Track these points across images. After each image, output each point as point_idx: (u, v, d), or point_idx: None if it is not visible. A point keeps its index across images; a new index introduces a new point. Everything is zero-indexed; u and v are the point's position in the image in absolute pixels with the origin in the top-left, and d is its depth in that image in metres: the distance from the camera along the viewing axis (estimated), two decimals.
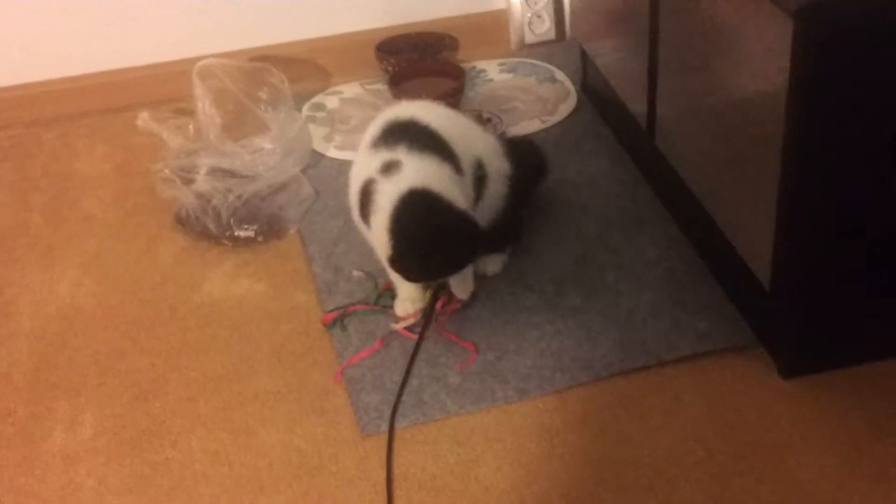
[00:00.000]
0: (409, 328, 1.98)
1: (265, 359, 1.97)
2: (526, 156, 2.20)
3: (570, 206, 2.29)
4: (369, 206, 1.86)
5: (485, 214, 2.01)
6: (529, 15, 2.97)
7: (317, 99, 2.82)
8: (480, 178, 2.00)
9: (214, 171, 2.38)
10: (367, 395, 1.86)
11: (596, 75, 2.57)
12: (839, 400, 1.78)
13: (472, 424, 1.79)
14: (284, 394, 1.89)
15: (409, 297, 1.98)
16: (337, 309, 2.05)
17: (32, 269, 2.27)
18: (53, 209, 2.48)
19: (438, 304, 1.99)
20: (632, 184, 2.35)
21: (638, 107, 2.23)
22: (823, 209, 1.67)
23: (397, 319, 1.99)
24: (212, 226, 2.28)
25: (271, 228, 2.30)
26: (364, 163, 1.92)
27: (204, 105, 2.46)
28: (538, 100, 2.72)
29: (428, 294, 1.99)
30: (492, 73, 2.88)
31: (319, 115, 2.74)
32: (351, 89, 2.86)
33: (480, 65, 2.92)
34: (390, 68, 2.86)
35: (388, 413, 1.81)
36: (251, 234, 2.28)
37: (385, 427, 1.79)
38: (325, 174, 2.49)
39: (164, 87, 2.78)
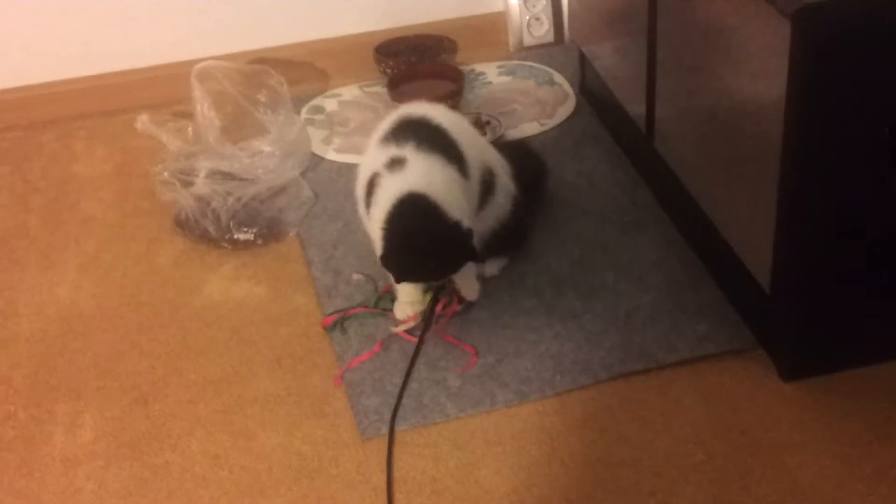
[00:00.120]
0: (408, 331, 1.98)
1: (265, 362, 1.97)
2: (527, 164, 2.21)
3: (569, 208, 2.29)
4: (373, 193, 1.88)
5: (488, 220, 2.03)
6: (528, 17, 2.97)
7: (316, 101, 2.82)
8: (488, 185, 2.01)
9: (214, 174, 2.38)
10: (366, 398, 1.86)
11: (594, 78, 2.57)
12: (839, 402, 1.78)
13: (472, 427, 1.80)
14: (284, 397, 1.89)
15: (408, 300, 1.98)
16: (337, 312, 2.04)
17: (32, 272, 2.27)
18: (52, 211, 2.48)
19: (438, 307, 1.99)
20: (631, 186, 2.35)
21: (637, 109, 2.23)
22: (823, 211, 1.67)
23: (397, 322, 1.99)
24: (211, 228, 2.28)
25: (271, 231, 2.30)
26: (372, 156, 1.95)
27: (203, 107, 2.46)
28: (537, 102, 2.72)
29: (428, 297, 1.99)
30: (490, 75, 2.88)
31: (318, 117, 2.74)
32: (350, 92, 2.86)
33: (479, 67, 2.92)
34: (389, 71, 2.86)
35: (388, 416, 1.81)
36: (250, 236, 2.28)
37: (385, 430, 1.79)
38: (324, 177, 2.49)
39: (163, 90, 2.78)
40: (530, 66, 2.91)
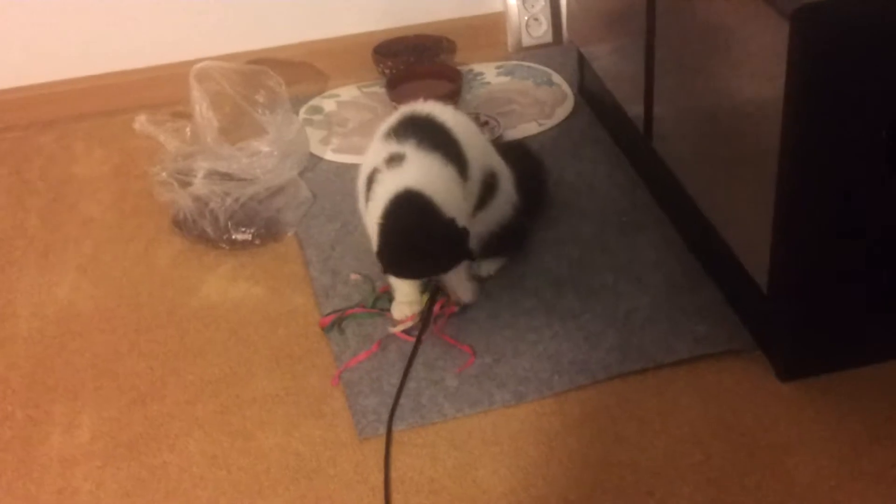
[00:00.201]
0: (406, 331, 1.97)
1: (263, 362, 1.97)
2: (527, 166, 2.21)
3: (567, 208, 2.29)
4: (371, 189, 1.89)
5: (488, 221, 2.03)
6: (527, 18, 2.97)
7: (314, 102, 2.82)
8: (490, 187, 2.01)
9: (212, 174, 2.38)
10: (364, 398, 1.86)
11: (593, 78, 2.57)
12: (837, 402, 1.78)
13: (469, 428, 1.79)
14: (282, 397, 1.89)
15: (406, 301, 1.98)
16: (334, 312, 2.04)
17: (30, 272, 2.27)
18: (51, 212, 2.48)
19: (436, 307, 1.99)
20: (629, 187, 2.35)
21: (635, 109, 2.23)
22: (821, 211, 1.67)
23: (395, 323, 1.99)
24: (209, 229, 2.28)
25: (269, 231, 2.30)
26: (374, 152, 1.96)
27: (201, 108, 2.45)
28: (535, 103, 2.72)
29: (426, 297, 1.99)
30: (489, 75, 2.88)
31: (317, 118, 2.74)
32: (348, 92, 2.86)
33: (478, 68, 2.92)
34: (387, 71, 2.86)
35: (385, 416, 1.81)
36: (248, 237, 2.28)
37: (383, 430, 1.79)
38: (322, 177, 2.49)
39: (161, 90, 2.78)
40: (529, 67, 2.91)
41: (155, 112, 2.62)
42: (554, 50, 2.99)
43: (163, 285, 2.20)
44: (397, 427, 1.80)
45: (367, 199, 1.91)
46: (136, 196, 2.49)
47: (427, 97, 2.45)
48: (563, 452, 1.74)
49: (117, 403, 1.91)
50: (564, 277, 2.10)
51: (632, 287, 2.05)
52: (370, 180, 1.91)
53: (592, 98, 2.66)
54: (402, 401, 1.84)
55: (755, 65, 1.66)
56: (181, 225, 2.33)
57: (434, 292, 1.99)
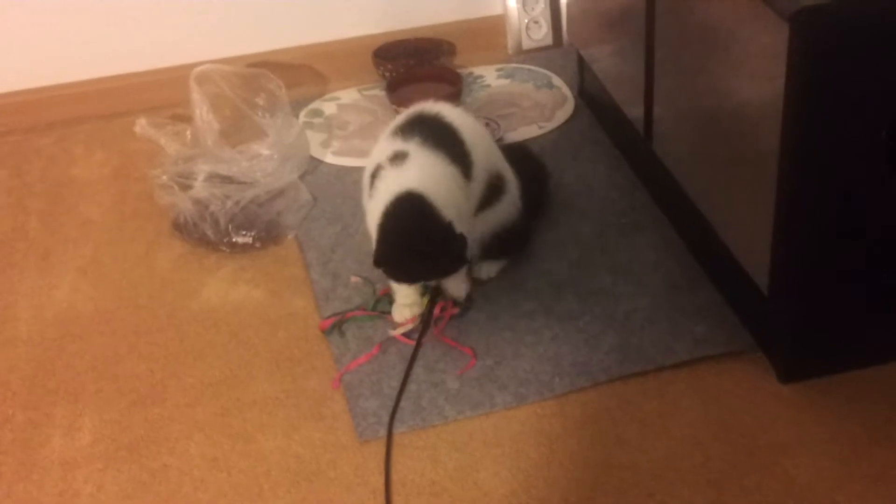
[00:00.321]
0: (406, 334, 1.98)
1: (263, 365, 1.97)
2: (528, 169, 2.22)
3: (567, 210, 2.29)
4: (373, 186, 1.91)
5: (490, 223, 2.03)
6: (527, 21, 2.98)
7: (314, 105, 2.82)
8: (496, 189, 2.02)
9: (212, 177, 2.38)
10: (365, 400, 1.86)
11: (593, 81, 2.57)
12: (836, 404, 1.78)
13: (470, 430, 1.79)
14: (283, 399, 1.89)
15: (406, 303, 1.98)
16: (335, 315, 2.04)
17: (30, 275, 2.27)
18: (51, 214, 2.48)
19: (436, 310, 1.99)
20: (629, 188, 2.35)
21: (635, 112, 2.23)
22: (821, 212, 1.67)
23: (395, 325, 1.99)
24: (210, 232, 2.28)
25: (269, 234, 2.30)
26: (380, 148, 1.97)
27: (201, 111, 2.46)
28: (535, 105, 2.73)
29: (426, 299, 1.99)
30: (489, 78, 2.88)
31: (317, 121, 2.74)
32: (348, 95, 2.87)
33: (478, 70, 2.92)
34: (388, 74, 2.86)
35: (386, 419, 1.81)
36: (249, 240, 2.28)
37: (383, 432, 1.79)
38: (322, 180, 2.49)
39: (161, 93, 2.78)
40: (529, 70, 2.91)
41: (155, 115, 2.63)
42: (554, 52, 2.99)
43: (163, 288, 2.20)
44: (398, 429, 1.80)
45: (370, 195, 1.92)
46: (137, 199, 2.49)
47: (427, 100, 2.46)
48: (564, 454, 1.74)
49: (118, 406, 1.91)
50: (564, 279, 2.10)
51: (631, 288, 2.06)
52: (373, 177, 1.92)
53: (592, 100, 2.67)
54: (403, 403, 1.84)
55: (755, 66, 1.66)
56: (181, 228, 2.33)
57: (434, 295, 1.99)
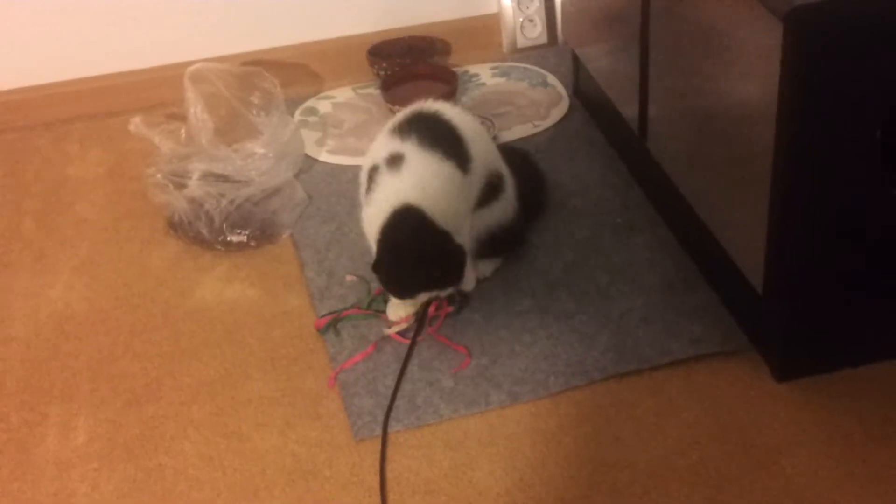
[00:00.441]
0: (401, 332, 1.98)
1: (258, 363, 1.97)
2: (524, 172, 2.22)
3: (562, 210, 2.29)
4: (370, 189, 1.92)
5: (487, 222, 2.03)
6: (521, 19, 2.97)
7: (309, 103, 2.82)
8: (494, 188, 2.03)
9: (207, 176, 2.37)
10: (360, 399, 1.86)
11: (588, 79, 2.57)
12: (833, 402, 1.78)
13: (465, 428, 1.80)
14: (278, 398, 1.89)
15: (401, 302, 1.98)
16: (330, 313, 2.04)
17: (25, 274, 2.27)
18: (46, 213, 2.47)
19: (431, 308, 1.99)
20: (624, 188, 2.35)
21: (629, 110, 2.23)
22: (815, 212, 1.67)
23: (390, 324, 1.99)
24: (204, 230, 2.28)
25: (264, 233, 2.30)
26: (379, 145, 1.98)
27: (196, 109, 2.45)
28: (530, 104, 2.73)
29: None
30: (484, 77, 2.88)
31: (312, 119, 2.74)
32: (343, 94, 2.86)
33: (473, 69, 2.92)
34: (382, 72, 2.86)
35: (381, 417, 1.81)
36: (244, 238, 2.28)
37: (379, 431, 1.79)
38: (317, 179, 2.49)
39: (156, 92, 2.78)
40: (524, 68, 2.91)
41: (150, 114, 2.61)
42: (549, 51, 2.99)
43: (158, 287, 2.19)
44: (393, 428, 1.80)
45: (366, 197, 1.93)
46: (132, 198, 2.49)
47: (422, 98, 2.46)
48: (559, 453, 1.74)
49: (113, 405, 1.91)
50: (559, 278, 2.10)
51: (626, 288, 2.06)
52: (370, 176, 1.93)
53: (587, 99, 2.67)
54: (398, 402, 1.85)
55: (749, 65, 1.66)
56: (176, 227, 2.33)
57: None
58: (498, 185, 2.03)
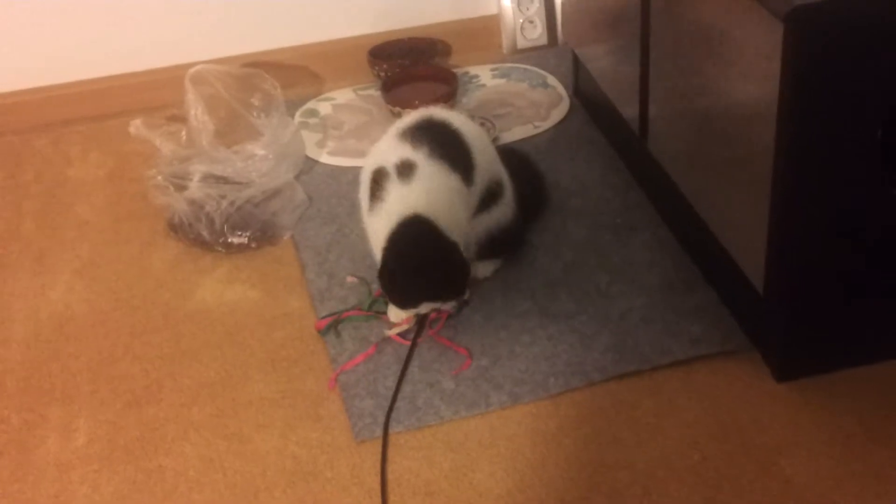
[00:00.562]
0: (402, 334, 1.97)
1: (259, 365, 1.97)
2: (524, 174, 2.22)
3: (562, 210, 2.29)
4: (377, 195, 1.91)
5: (486, 224, 2.04)
6: (521, 20, 2.98)
7: (309, 105, 2.82)
8: (493, 194, 2.03)
9: (207, 178, 2.37)
10: (361, 400, 1.86)
11: (588, 80, 2.57)
12: (833, 402, 1.78)
13: (466, 430, 1.79)
14: (278, 400, 1.89)
15: None
16: (331, 315, 2.04)
17: (25, 276, 2.27)
18: (46, 215, 2.47)
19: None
20: (624, 188, 2.35)
21: (630, 111, 2.23)
22: (816, 212, 1.67)
23: (391, 325, 1.99)
24: (205, 232, 2.28)
25: (265, 235, 2.30)
26: (387, 147, 1.98)
27: (196, 111, 2.45)
28: (531, 105, 2.73)
29: None
30: (484, 78, 2.88)
31: (312, 120, 2.74)
32: (343, 95, 2.86)
33: (473, 70, 2.92)
34: (383, 74, 2.86)
35: (382, 419, 1.81)
36: (244, 240, 2.28)
37: (379, 433, 1.79)
38: (318, 180, 2.49)
39: (156, 94, 2.78)
40: (524, 69, 2.91)
41: (150, 115, 2.62)
42: (549, 52, 2.99)
43: (158, 289, 2.19)
44: (394, 429, 1.80)
45: (373, 198, 1.92)
46: (132, 199, 2.49)
47: (423, 100, 2.47)
48: (560, 454, 1.74)
49: (113, 407, 1.91)
50: (559, 279, 2.10)
51: (626, 288, 2.06)
52: (376, 180, 1.93)
53: (587, 100, 2.67)
54: (399, 403, 1.84)
55: (749, 65, 1.66)
56: (177, 228, 2.33)
57: None
58: (497, 192, 2.04)
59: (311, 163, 2.56)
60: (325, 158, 2.58)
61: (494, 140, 2.53)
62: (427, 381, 1.89)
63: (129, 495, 1.73)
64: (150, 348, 2.03)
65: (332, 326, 2.02)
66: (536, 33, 3.00)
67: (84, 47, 2.82)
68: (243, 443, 1.81)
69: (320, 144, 2.63)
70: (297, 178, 2.47)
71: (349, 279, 2.13)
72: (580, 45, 2.59)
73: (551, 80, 2.84)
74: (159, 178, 2.40)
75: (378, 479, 1.71)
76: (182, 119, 2.53)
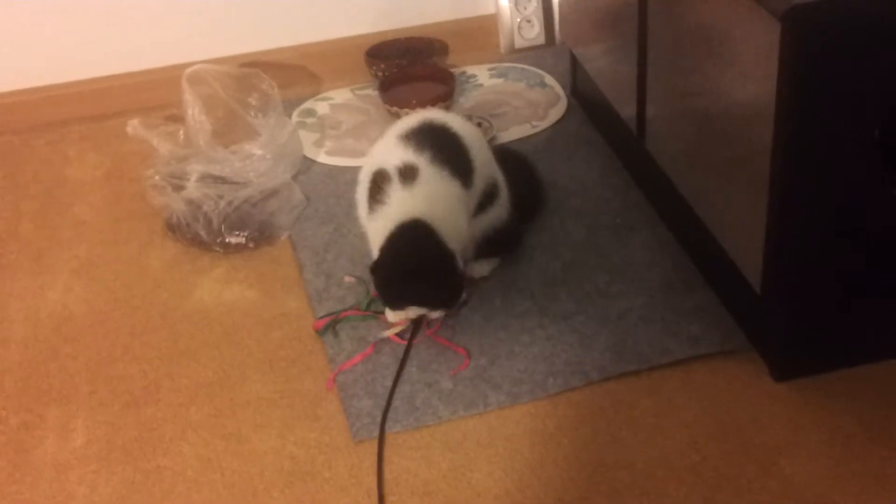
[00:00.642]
0: (400, 334, 1.97)
1: (257, 365, 1.97)
2: (521, 175, 2.23)
3: (560, 210, 2.29)
4: (377, 197, 1.91)
5: (484, 225, 2.04)
6: (519, 20, 2.98)
7: (307, 104, 2.82)
8: (490, 196, 2.03)
9: (205, 178, 2.37)
10: (359, 400, 1.86)
11: (586, 80, 2.57)
12: (832, 402, 1.78)
13: (464, 430, 1.79)
14: (276, 400, 1.88)
15: None
16: (328, 315, 2.04)
17: (23, 276, 2.27)
18: (44, 215, 2.47)
19: None
20: (622, 188, 2.35)
21: (628, 111, 2.23)
22: (814, 212, 1.67)
23: (389, 325, 1.99)
24: (203, 232, 2.28)
25: (262, 235, 2.30)
26: (388, 149, 1.97)
27: (194, 111, 2.45)
28: (528, 104, 2.73)
29: None
30: (482, 77, 2.88)
31: (310, 120, 2.74)
32: (341, 95, 2.86)
33: (470, 70, 2.92)
34: (380, 73, 2.86)
35: (380, 419, 1.81)
36: (242, 240, 2.28)
37: (377, 433, 1.79)
38: (315, 180, 2.49)
39: (154, 94, 2.78)
40: (522, 69, 2.91)
41: (148, 115, 2.62)
42: (546, 52, 2.99)
43: (156, 289, 2.19)
44: (392, 429, 1.80)
45: (373, 200, 1.92)
46: (130, 200, 2.49)
47: (420, 99, 2.47)
48: (558, 454, 1.74)
49: (111, 407, 1.90)
50: (558, 279, 2.10)
51: (625, 288, 2.05)
52: (376, 182, 1.93)
53: (585, 99, 2.67)
54: (397, 403, 1.84)
55: (747, 65, 1.66)
56: (174, 228, 2.32)
57: None
58: (493, 193, 2.04)
59: (308, 163, 2.55)
60: (322, 158, 2.58)
61: (492, 140, 2.53)
62: (425, 381, 1.89)
63: (128, 496, 1.73)
64: (148, 348, 2.03)
65: (330, 326, 2.02)
66: (534, 33, 3.00)
67: (82, 47, 2.82)
68: (241, 443, 1.80)
69: (318, 144, 2.63)
70: (294, 177, 2.47)
71: (347, 279, 2.13)
72: (578, 44, 2.59)
73: (549, 79, 2.84)
74: (157, 177, 2.40)
75: (376, 479, 1.71)
76: (179, 119, 2.53)
